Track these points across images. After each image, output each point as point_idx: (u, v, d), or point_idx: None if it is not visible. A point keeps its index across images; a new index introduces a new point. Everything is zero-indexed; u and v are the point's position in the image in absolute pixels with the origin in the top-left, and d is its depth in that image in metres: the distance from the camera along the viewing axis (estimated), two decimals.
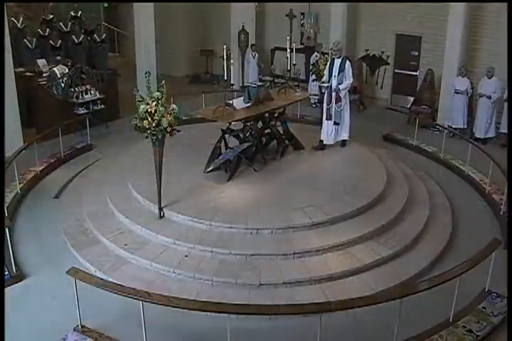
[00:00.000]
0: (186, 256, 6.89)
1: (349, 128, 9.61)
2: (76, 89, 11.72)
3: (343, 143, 9.76)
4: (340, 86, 9.17)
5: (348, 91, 9.42)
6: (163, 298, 5.43)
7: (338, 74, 9.15)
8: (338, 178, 8.60)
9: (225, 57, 8.36)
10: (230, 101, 8.62)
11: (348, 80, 9.20)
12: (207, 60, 17.19)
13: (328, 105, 9.41)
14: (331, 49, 9.44)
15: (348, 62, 9.20)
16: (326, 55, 9.44)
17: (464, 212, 8.56)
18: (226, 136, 8.81)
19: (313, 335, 5.37)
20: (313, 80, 12.41)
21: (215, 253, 6.88)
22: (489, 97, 11.22)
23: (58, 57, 12.41)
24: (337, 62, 9.19)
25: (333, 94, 9.26)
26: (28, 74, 12.36)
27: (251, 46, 15.07)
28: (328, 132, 9.53)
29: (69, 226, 7.88)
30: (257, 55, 14.98)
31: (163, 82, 6.94)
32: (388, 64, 14.16)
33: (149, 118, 6.76)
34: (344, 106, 9.40)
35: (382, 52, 14.11)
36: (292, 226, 7.19)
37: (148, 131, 6.87)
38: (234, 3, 15.12)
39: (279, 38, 15.43)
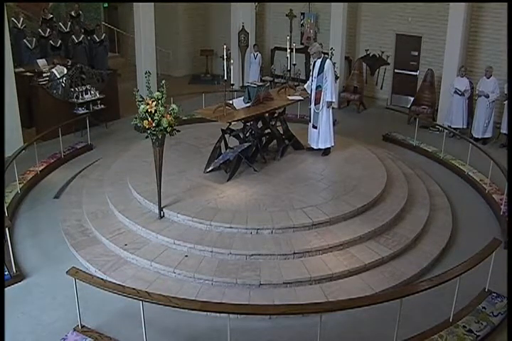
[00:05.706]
0: (186, 256, 6.89)
1: (330, 138, 9.18)
2: (76, 89, 11.71)
3: (324, 151, 9.35)
4: (326, 98, 8.95)
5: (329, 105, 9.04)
6: (163, 298, 5.42)
7: (318, 76, 8.95)
8: (338, 178, 8.60)
9: (225, 57, 8.35)
10: (230, 101, 8.62)
11: (329, 82, 8.84)
12: (207, 60, 17.20)
13: (309, 106, 9.32)
14: (312, 52, 9.15)
15: (328, 62, 8.92)
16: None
17: (464, 212, 8.56)
18: (226, 136, 8.81)
19: (313, 335, 5.37)
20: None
21: (215, 253, 6.88)
22: (487, 96, 11.20)
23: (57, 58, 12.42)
24: (317, 63, 9.02)
25: (313, 94, 9.11)
26: (28, 74, 12.35)
27: (253, 46, 15.03)
28: (311, 134, 9.34)
29: (69, 226, 7.88)
30: (259, 54, 14.93)
31: (163, 82, 6.92)
32: (388, 64, 14.18)
33: (149, 118, 6.76)
34: (324, 110, 9.04)
35: (382, 52, 14.15)
36: (292, 226, 7.18)
37: (148, 131, 6.88)
38: (234, 3, 15.13)
39: (279, 38, 15.52)
